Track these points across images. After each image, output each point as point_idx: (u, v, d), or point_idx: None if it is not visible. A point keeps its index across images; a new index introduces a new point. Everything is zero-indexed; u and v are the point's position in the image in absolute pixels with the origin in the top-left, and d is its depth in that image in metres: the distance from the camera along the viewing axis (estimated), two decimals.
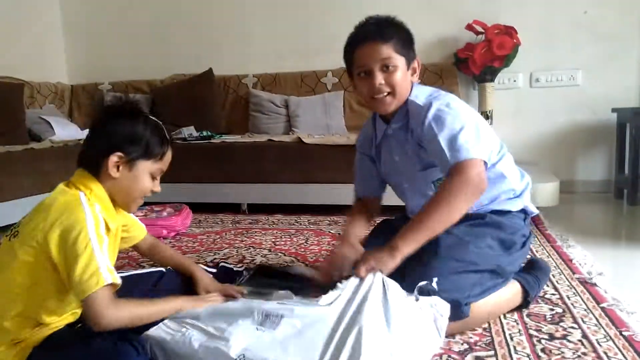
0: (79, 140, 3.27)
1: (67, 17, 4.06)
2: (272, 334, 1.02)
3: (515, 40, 3.11)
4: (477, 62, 3.13)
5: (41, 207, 1.09)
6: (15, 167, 2.59)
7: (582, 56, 3.27)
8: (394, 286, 1.14)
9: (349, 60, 1.37)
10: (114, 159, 1.12)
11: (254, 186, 2.93)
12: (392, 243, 1.18)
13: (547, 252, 1.99)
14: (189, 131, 3.28)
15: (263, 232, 2.48)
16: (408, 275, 1.20)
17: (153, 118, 1.20)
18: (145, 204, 2.74)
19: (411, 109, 1.35)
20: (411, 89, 1.37)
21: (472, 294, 1.24)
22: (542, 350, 1.19)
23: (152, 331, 1.09)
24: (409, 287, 1.16)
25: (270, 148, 2.92)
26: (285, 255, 2.06)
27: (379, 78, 1.30)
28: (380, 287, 1.12)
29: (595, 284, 1.61)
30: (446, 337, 1.20)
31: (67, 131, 3.33)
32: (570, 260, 1.87)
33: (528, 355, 1.17)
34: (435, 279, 1.20)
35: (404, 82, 1.33)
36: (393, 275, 1.17)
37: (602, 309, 1.42)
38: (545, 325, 1.32)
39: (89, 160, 1.15)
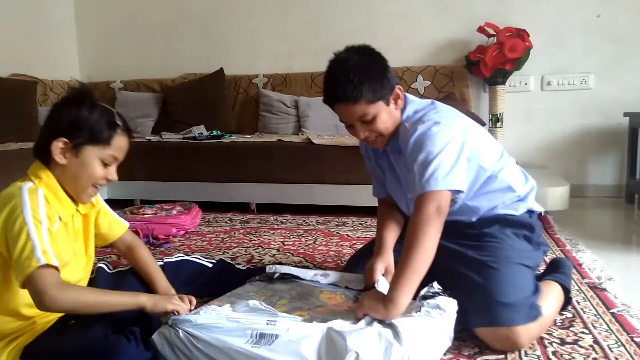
0: None
1: (79, 16, 4.10)
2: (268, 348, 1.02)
3: (527, 43, 3.09)
4: (489, 64, 3.12)
5: None
6: (29, 163, 2.61)
7: (594, 59, 3.25)
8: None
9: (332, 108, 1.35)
10: (58, 144, 1.12)
11: (263, 186, 2.94)
12: (388, 296, 1.13)
13: (557, 256, 1.98)
14: (199, 130, 3.30)
15: (271, 231, 2.49)
16: (471, 302, 1.20)
17: (102, 104, 1.19)
18: (155, 202, 2.79)
19: (401, 132, 1.34)
20: (404, 108, 1.36)
21: (532, 289, 1.24)
22: (554, 354, 1.19)
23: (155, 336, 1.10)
24: (477, 316, 1.19)
25: (280, 148, 2.93)
26: (293, 255, 2.07)
27: (362, 132, 1.32)
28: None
29: (605, 289, 1.60)
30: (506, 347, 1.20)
31: None
32: (580, 265, 1.86)
33: (539, 358, 1.17)
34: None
35: (389, 120, 1.32)
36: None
37: (612, 314, 1.41)
38: (556, 330, 1.31)
39: (39, 149, 1.16)
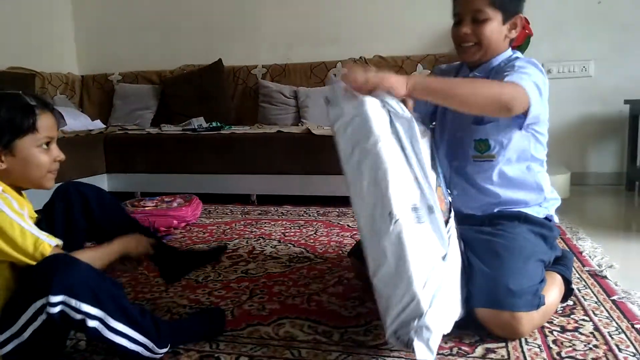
0: (90, 130, 3.30)
1: (77, 8, 4.07)
2: None
3: (527, 31, 3.07)
4: None
5: None
6: None
7: (594, 47, 3.23)
8: None
9: (453, 6, 1.38)
10: None
11: (263, 177, 2.94)
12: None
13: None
14: (199, 122, 3.29)
15: (272, 223, 2.49)
16: (476, 284, 1.20)
17: (4, 92, 1.14)
18: (156, 194, 2.79)
19: (499, 65, 1.35)
20: (512, 54, 1.37)
21: (539, 280, 1.24)
22: (554, 342, 1.20)
23: None
24: (481, 296, 1.18)
25: (280, 139, 2.92)
26: (294, 246, 2.07)
27: (466, 28, 1.32)
28: None
29: (605, 277, 1.61)
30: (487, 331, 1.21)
31: (78, 121, 3.35)
32: (581, 253, 1.86)
33: (539, 346, 1.18)
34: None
35: (495, 35, 1.32)
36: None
37: (613, 301, 1.41)
38: (557, 318, 1.32)
39: None
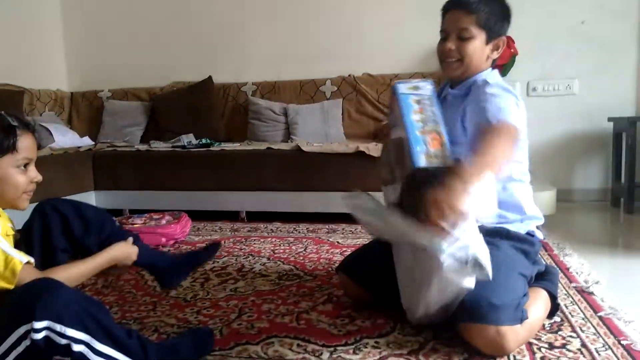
0: (79, 147, 3.29)
1: (67, 24, 4.08)
2: None
3: (512, 50, 3.14)
4: None
5: None
6: None
7: (578, 65, 3.31)
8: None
9: (441, 23, 1.44)
10: None
11: (253, 194, 2.94)
12: (454, 170, 1.04)
13: (545, 260, 1.99)
14: (189, 139, 3.30)
15: (262, 240, 2.49)
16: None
17: None
18: (144, 211, 2.77)
19: (477, 82, 1.40)
20: (488, 71, 1.43)
21: (521, 294, 1.25)
22: (542, 359, 1.20)
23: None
24: (464, 312, 1.20)
25: (269, 156, 2.93)
26: (284, 263, 2.07)
27: (451, 44, 1.39)
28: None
29: (592, 293, 1.62)
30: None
31: (67, 138, 3.34)
32: (568, 269, 1.88)
33: None
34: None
35: (477, 53, 1.39)
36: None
37: (600, 317, 1.43)
38: (545, 334, 1.33)
39: None
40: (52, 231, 1.32)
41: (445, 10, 1.42)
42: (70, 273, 1.15)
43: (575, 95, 3.34)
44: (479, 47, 1.38)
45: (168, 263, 1.45)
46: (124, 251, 1.33)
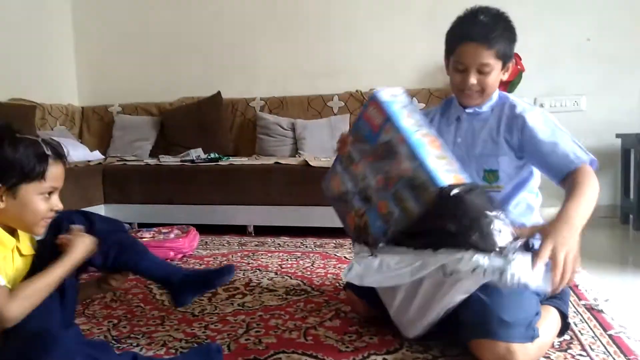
0: (89, 161, 3.32)
1: (78, 41, 4.15)
2: None
3: (519, 67, 3.15)
4: None
5: None
6: None
7: (585, 82, 3.31)
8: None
9: (450, 49, 1.43)
10: None
11: (261, 208, 2.95)
12: (561, 216, 1.18)
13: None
14: (197, 153, 3.33)
15: (269, 254, 2.49)
16: (470, 315, 1.22)
17: (24, 137, 1.13)
18: (153, 225, 2.79)
19: (501, 101, 1.45)
20: (499, 93, 1.48)
21: (534, 313, 1.24)
22: None
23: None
24: (475, 328, 1.20)
25: (277, 170, 2.95)
26: (291, 278, 2.07)
27: (473, 78, 1.38)
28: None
29: (601, 311, 1.61)
30: None
31: (77, 152, 3.37)
32: (577, 286, 1.87)
33: None
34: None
35: (496, 82, 1.41)
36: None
37: (610, 336, 1.41)
38: (554, 353, 1.32)
39: None
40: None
41: (461, 39, 1.37)
42: (36, 287, 1.10)
43: (583, 112, 3.34)
44: (496, 76, 1.40)
45: (180, 279, 1.41)
46: (82, 247, 1.22)
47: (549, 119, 1.40)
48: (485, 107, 1.46)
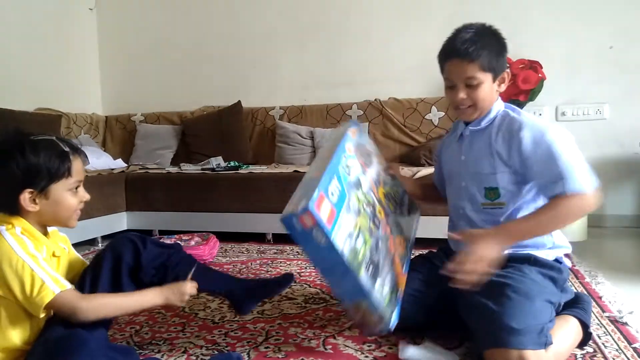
0: (112, 169, 3.39)
1: (103, 52, 4.26)
2: None
3: (540, 75, 3.13)
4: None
5: None
6: None
7: (608, 90, 3.26)
8: None
9: (441, 68, 1.45)
10: (26, 196, 1.14)
11: (280, 216, 2.96)
12: (501, 226, 1.32)
13: (576, 288, 1.95)
14: (217, 161, 3.37)
15: (288, 262, 2.51)
16: (482, 325, 1.23)
17: (39, 138, 1.17)
18: (174, 232, 2.83)
19: (502, 116, 1.43)
20: (501, 104, 1.46)
21: (547, 320, 1.23)
22: None
23: None
24: (486, 338, 1.21)
25: (296, 179, 2.91)
26: (310, 287, 2.08)
27: (462, 93, 1.39)
28: None
29: (626, 323, 1.58)
30: None
31: (101, 160, 3.45)
32: (600, 298, 1.83)
33: None
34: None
35: (488, 95, 1.40)
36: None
37: (634, 349, 1.39)
38: None
39: (3, 205, 1.17)
40: (122, 274, 1.27)
41: (446, 57, 1.39)
42: (110, 303, 1.16)
43: (605, 120, 3.29)
44: (488, 89, 1.38)
45: (243, 289, 1.45)
46: (178, 292, 1.26)
47: (550, 136, 1.33)
48: (484, 122, 1.44)
